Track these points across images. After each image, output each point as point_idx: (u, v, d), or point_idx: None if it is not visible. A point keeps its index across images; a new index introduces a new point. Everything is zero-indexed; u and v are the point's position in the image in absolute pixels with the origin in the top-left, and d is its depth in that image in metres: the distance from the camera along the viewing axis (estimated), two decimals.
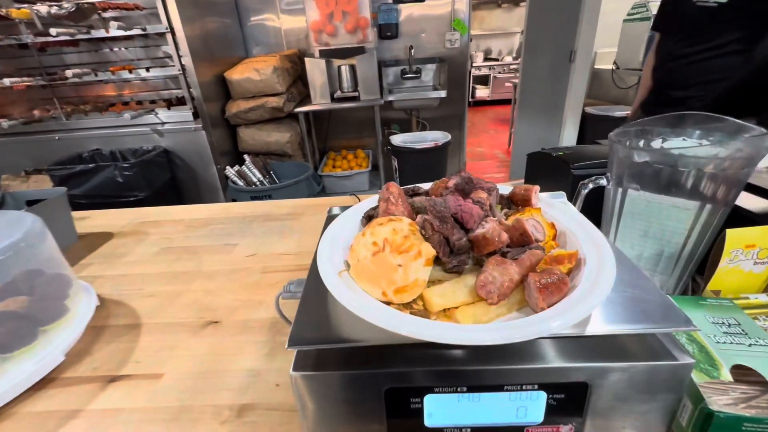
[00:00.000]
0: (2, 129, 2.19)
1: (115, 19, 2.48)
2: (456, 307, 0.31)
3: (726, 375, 0.33)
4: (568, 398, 0.32)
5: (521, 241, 0.33)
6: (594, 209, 0.56)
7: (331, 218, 0.49)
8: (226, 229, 0.82)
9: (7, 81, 2.01)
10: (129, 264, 0.71)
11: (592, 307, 0.28)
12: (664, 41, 1.03)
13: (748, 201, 0.52)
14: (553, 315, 0.28)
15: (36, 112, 2.26)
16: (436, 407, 0.32)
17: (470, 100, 6.48)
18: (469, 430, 0.34)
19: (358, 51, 2.43)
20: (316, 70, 2.42)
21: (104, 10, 2.25)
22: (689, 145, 0.47)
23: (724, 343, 0.35)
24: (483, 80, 6.47)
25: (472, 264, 0.35)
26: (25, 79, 2.08)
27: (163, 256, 0.73)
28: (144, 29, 2.04)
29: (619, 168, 0.48)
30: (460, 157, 3.24)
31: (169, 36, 2.04)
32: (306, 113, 2.54)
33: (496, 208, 0.40)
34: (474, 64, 6.26)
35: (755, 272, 0.44)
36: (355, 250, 0.34)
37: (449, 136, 2.58)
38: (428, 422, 0.33)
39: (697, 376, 0.32)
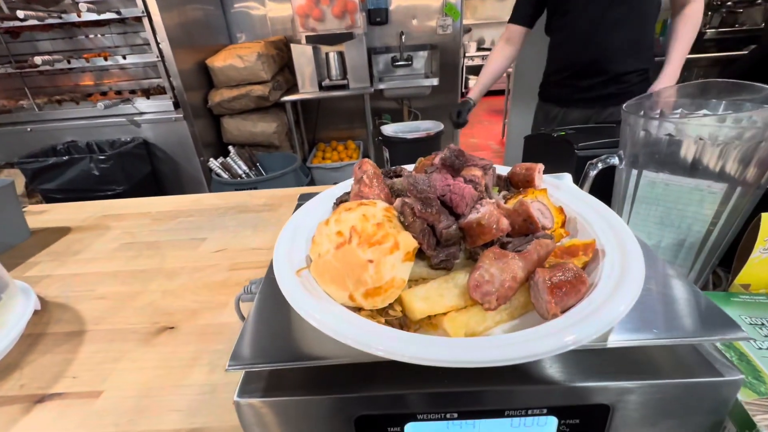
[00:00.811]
0: None
1: (89, 2, 2.35)
2: (444, 314, 0.24)
3: None
4: (585, 424, 0.25)
5: (525, 229, 0.27)
6: (600, 194, 0.50)
7: (299, 206, 0.42)
8: (196, 222, 0.74)
9: None
10: (83, 262, 0.63)
11: (620, 313, 0.21)
12: None
13: None
14: (570, 324, 0.21)
15: (4, 103, 2.14)
16: None
17: (463, 90, 6.40)
18: None
19: (346, 37, 2.33)
20: (302, 57, 2.32)
21: None
22: (714, 115, 0.40)
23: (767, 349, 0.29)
24: (476, 71, 6.37)
25: (464, 258, 0.28)
26: None
27: (122, 252, 0.66)
28: (119, 13, 1.93)
29: (634, 145, 0.41)
30: None
31: (145, 21, 1.93)
32: (293, 102, 2.45)
33: (492, 189, 0.33)
34: (467, 54, 6.17)
35: None
36: (317, 243, 0.27)
37: (442, 126, 2.51)
38: None
39: (741, 393, 0.26)
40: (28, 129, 2.12)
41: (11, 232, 0.71)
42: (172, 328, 0.47)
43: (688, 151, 0.38)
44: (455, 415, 0.25)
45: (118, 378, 0.40)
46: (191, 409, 0.36)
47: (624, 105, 0.42)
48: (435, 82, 2.50)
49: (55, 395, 0.39)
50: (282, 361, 0.25)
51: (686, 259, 0.43)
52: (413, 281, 0.27)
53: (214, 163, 2.11)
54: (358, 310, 0.25)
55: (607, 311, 0.21)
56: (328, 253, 0.25)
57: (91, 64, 2.07)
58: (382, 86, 2.50)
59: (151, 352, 0.43)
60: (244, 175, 2.16)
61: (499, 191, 0.35)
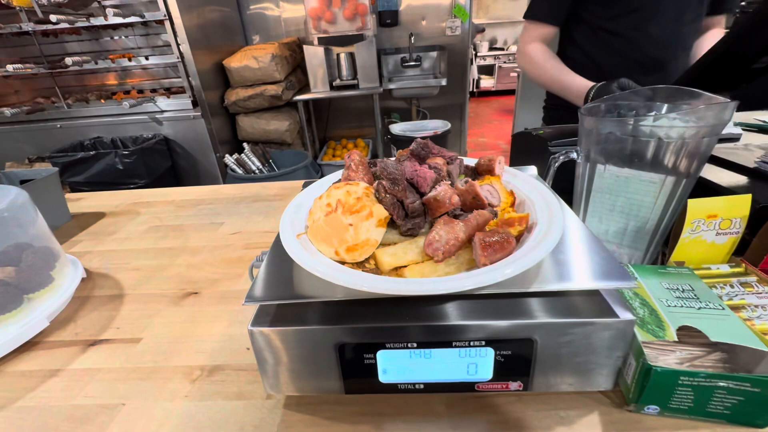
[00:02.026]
0: (5, 117, 2.22)
1: (115, 6, 2.49)
2: (405, 266, 0.32)
3: (672, 335, 0.33)
4: (516, 354, 0.33)
5: (474, 204, 0.34)
6: (570, 186, 0.57)
7: (305, 185, 0.50)
8: (215, 209, 0.83)
9: (10, 67, 2.03)
10: (118, 241, 0.73)
11: (529, 264, 0.29)
12: None
13: (717, 175, 0.52)
14: (493, 269, 0.29)
15: (40, 101, 2.29)
16: (389, 363, 0.34)
17: (475, 90, 6.42)
18: (422, 385, 0.35)
19: (357, 38, 2.42)
20: (314, 58, 2.41)
21: None
22: (654, 116, 0.47)
23: (675, 306, 0.36)
24: (488, 70, 6.39)
25: (429, 228, 0.36)
26: (28, 65, 2.10)
27: (151, 233, 0.75)
28: (142, 16, 2.05)
29: (587, 141, 0.48)
30: (461, 147, 3.23)
31: (167, 23, 2.04)
32: (305, 102, 2.55)
33: (459, 176, 0.41)
34: (479, 54, 6.19)
35: (717, 243, 0.44)
36: (312, 213, 0.35)
37: (449, 125, 2.57)
38: (383, 378, 0.35)
39: (642, 335, 0.33)
40: (58, 125, 2.26)
41: (55, 215, 0.82)
42: (197, 293, 0.55)
43: (634, 147, 0.45)
44: (415, 345, 0.33)
45: (153, 329, 0.49)
46: (213, 352, 0.44)
47: (581, 108, 0.49)
48: (443, 82, 2.56)
49: (103, 341, 0.48)
50: (283, 299, 0.33)
51: (634, 241, 0.50)
52: (388, 243, 0.34)
53: (230, 159, 2.22)
54: (341, 263, 0.33)
55: (522, 261, 0.29)
56: (319, 219, 0.33)
57: (116, 64, 2.20)
58: (391, 86, 2.57)
59: (180, 311, 0.52)
60: (257, 171, 2.27)
61: (464, 177, 0.42)
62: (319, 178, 1.93)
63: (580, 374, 0.33)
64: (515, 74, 4.27)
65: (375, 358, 0.33)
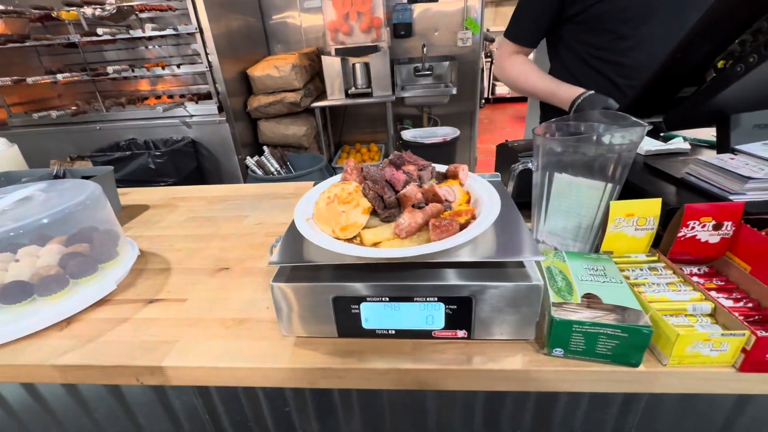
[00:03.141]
0: (51, 119, 2.45)
1: (150, 19, 2.71)
2: (381, 242, 0.45)
3: (577, 299, 0.45)
4: (459, 309, 0.45)
5: (434, 200, 0.47)
6: (527, 188, 0.68)
7: (315, 184, 0.64)
8: (240, 204, 0.98)
9: (60, 77, 2.25)
10: (162, 228, 0.88)
11: (462, 240, 0.41)
12: None
13: (651, 184, 0.63)
14: (439, 243, 0.41)
15: (81, 105, 2.51)
16: (369, 313, 0.47)
17: (490, 97, 6.51)
18: (393, 331, 0.48)
19: (372, 50, 2.56)
20: (332, 67, 2.57)
21: (141, 11, 2.48)
22: (589, 136, 0.59)
23: (585, 280, 0.48)
24: None
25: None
26: (74, 74, 2.33)
27: (188, 223, 0.90)
28: (176, 29, 2.25)
29: (540, 155, 0.60)
30: (471, 152, 3.34)
31: (198, 35, 2.23)
32: (322, 108, 2.71)
33: (430, 180, 0.54)
34: (493, 60, 6.28)
35: (637, 237, 0.56)
36: (317, 203, 0.48)
37: (458, 132, 2.69)
38: (365, 325, 0.48)
39: (555, 299, 0.45)
40: (98, 127, 2.48)
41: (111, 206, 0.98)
42: (228, 268, 0.69)
43: (578, 159, 0.57)
44: (387, 299, 0.46)
45: (196, 293, 0.63)
46: (241, 309, 0.58)
47: (533, 129, 0.61)
48: (453, 91, 2.68)
49: (159, 300, 0.62)
50: (295, 262, 0.46)
51: (584, 236, 0.62)
52: (372, 227, 0.48)
53: (251, 161, 2.39)
54: (336, 239, 0.46)
55: (456, 239, 0.42)
56: (322, 207, 0.46)
57: (150, 72, 2.40)
58: (404, 94, 2.71)
59: (215, 281, 0.66)
60: (275, 173, 2.43)
61: (434, 180, 0.55)
62: None
63: (509, 326, 0.46)
64: None
65: (359, 309, 0.47)
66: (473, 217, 0.47)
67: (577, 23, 0.92)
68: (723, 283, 0.50)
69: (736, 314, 0.43)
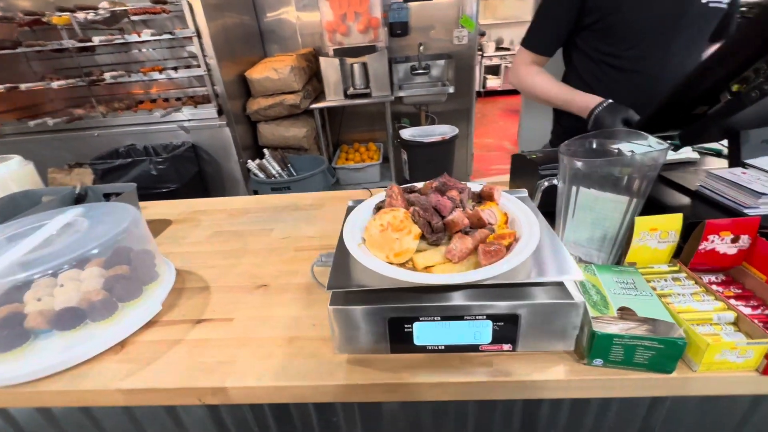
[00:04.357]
0: (47, 126, 2.41)
1: (144, 22, 2.67)
2: (433, 266, 0.48)
3: (613, 312, 0.49)
4: (506, 325, 0.49)
5: (478, 224, 0.51)
6: (554, 203, 0.72)
7: (350, 209, 0.66)
8: (263, 217, 1.00)
9: (54, 84, 2.22)
10: (190, 244, 0.90)
11: (513, 265, 0.45)
12: None
13: (667, 195, 0.67)
14: (490, 268, 0.45)
15: (77, 111, 2.48)
16: (421, 331, 0.50)
17: (481, 90, 6.55)
18: (443, 347, 0.51)
19: (369, 50, 2.57)
20: (330, 68, 2.57)
21: (134, 14, 2.44)
22: (611, 157, 0.62)
23: (618, 293, 0.52)
24: (494, 70, 6.51)
25: (447, 240, 0.52)
26: (70, 81, 2.29)
27: (215, 238, 0.92)
28: (172, 33, 2.22)
29: (565, 171, 0.64)
30: (468, 149, 3.38)
31: (195, 38, 2.22)
32: (321, 109, 2.71)
33: (468, 201, 0.57)
34: (485, 54, 6.31)
35: (659, 249, 0.60)
36: (368, 230, 0.51)
37: (456, 130, 2.72)
38: (417, 341, 0.51)
39: (593, 312, 0.49)
40: (96, 134, 2.45)
41: None
42: (266, 285, 0.72)
43: (603, 177, 0.60)
44: (439, 318, 0.49)
45: (240, 312, 0.66)
46: (288, 327, 0.61)
47: (560, 146, 0.64)
48: (451, 89, 2.70)
49: (205, 320, 0.65)
50: (353, 287, 0.49)
51: (608, 246, 0.65)
52: (420, 250, 0.51)
53: (252, 165, 2.40)
54: (390, 264, 0.49)
55: (507, 264, 0.45)
56: (375, 234, 0.49)
57: (147, 77, 2.38)
58: (401, 93, 2.72)
59: (256, 299, 0.69)
60: (277, 175, 2.44)
61: (472, 202, 0.59)
62: (335, 181, 2.09)
63: (551, 339, 0.50)
64: None
65: (412, 328, 0.50)
66: (515, 239, 0.50)
67: (593, 31, 0.96)
68: (740, 291, 0.55)
69: (757, 322, 0.47)
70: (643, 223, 0.58)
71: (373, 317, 0.49)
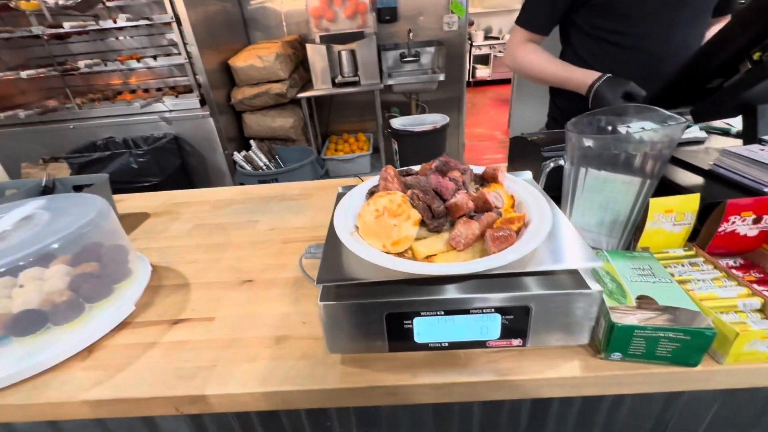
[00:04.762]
0: (19, 119, 2.28)
1: (120, 8, 2.54)
2: (435, 255, 0.43)
3: (632, 301, 0.45)
4: (516, 319, 0.44)
5: (484, 207, 0.46)
6: (559, 185, 0.67)
7: (341, 195, 0.61)
8: (248, 208, 0.94)
9: (23, 74, 2.09)
10: (169, 238, 0.84)
11: (525, 252, 0.40)
12: None
13: (679, 176, 0.63)
14: (500, 256, 0.40)
15: (51, 102, 2.36)
16: (423, 327, 0.45)
17: (470, 80, 6.48)
18: (447, 344, 0.47)
19: (357, 36, 2.49)
20: (317, 55, 2.49)
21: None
22: (623, 132, 0.58)
23: (635, 281, 0.48)
24: (483, 60, 6.45)
25: (449, 226, 0.47)
26: (40, 70, 2.17)
27: (196, 231, 0.86)
28: (150, 19, 2.11)
29: (572, 151, 0.59)
30: (459, 139, 3.33)
31: (174, 25, 2.11)
32: (308, 98, 2.63)
33: (470, 184, 0.52)
34: (474, 43, 6.24)
35: (674, 232, 0.56)
36: (362, 216, 0.46)
37: (447, 119, 2.66)
38: (417, 339, 0.46)
39: (609, 302, 0.45)
40: (71, 126, 2.34)
41: None
42: (251, 280, 0.66)
43: (609, 156, 0.56)
44: (442, 313, 0.44)
45: (223, 310, 0.60)
46: (276, 326, 0.56)
47: (567, 123, 0.59)
48: (441, 77, 2.64)
49: (184, 320, 0.59)
50: (346, 280, 0.44)
51: (611, 230, 0.61)
52: (420, 238, 0.46)
53: (238, 156, 2.31)
54: (387, 253, 0.44)
55: (520, 250, 0.40)
56: (370, 221, 0.44)
57: (125, 66, 2.26)
58: (391, 82, 2.65)
59: (240, 295, 0.63)
60: (264, 167, 2.36)
61: (475, 184, 0.54)
62: (324, 173, 2.01)
63: (564, 332, 0.45)
64: None
65: (412, 324, 0.45)
66: (525, 224, 0.46)
67: (591, 7, 0.91)
68: (762, 275, 0.51)
69: None
70: (657, 204, 0.54)
71: (369, 313, 0.44)
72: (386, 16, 2.77)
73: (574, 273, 0.44)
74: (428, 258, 0.44)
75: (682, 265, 0.53)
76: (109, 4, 2.48)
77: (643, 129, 0.59)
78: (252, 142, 2.38)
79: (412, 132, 2.58)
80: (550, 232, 0.45)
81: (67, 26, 1.97)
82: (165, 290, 0.66)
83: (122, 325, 0.59)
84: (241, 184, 2.42)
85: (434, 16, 2.84)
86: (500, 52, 6.23)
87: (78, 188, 0.95)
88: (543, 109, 1.26)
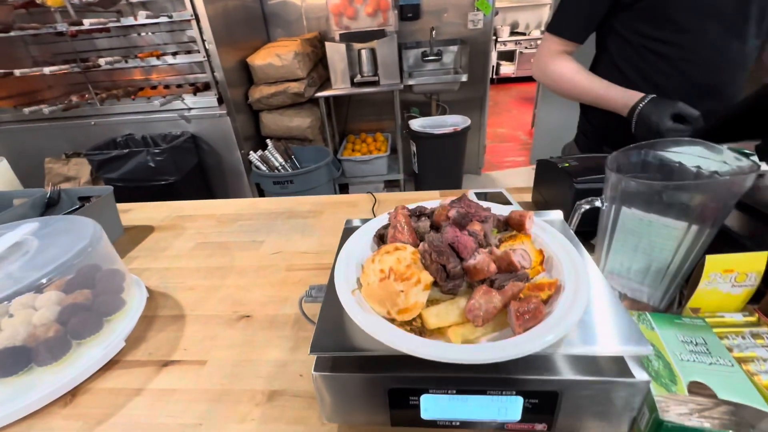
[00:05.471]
0: (44, 114, 2.32)
1: (142, 4, 2.54)
2: (449, 326, 0.37)
3: (683, 390, 0.38)
4: (542, 403, 0.38)
5: (508, 269, 0.39)
6: (592, 221, 0.60)
7: (347, 230, 0.55)
8: (254, 226, 0.89)
9: (47, 70, 2.12)
10: (170, 258, 0.80)
11: (560, 335, 0.33)
12: None
13: (740, 222, 0.54)
14: (527, 340, 0.33)
15: (74, 98, 2.38)
16: (431, 404, 0.39)
17: (494, 77, 6.29)
18: (458, 422, 0.40)
19: (378, 34, 2.41)
20: (336, 54, 2.43)
21: None
22: (674, 167, 0.50)
23: (687, 360, 0.40)
24: (508, 56, 6.24)
25: (466, 287, 0.40)
26: (63, 66, 2.19)
27: (199, 251, 0.82)
28: (170, 16, 2.09)
29: (612, 191, 0.51)
30: (480, 141, 3.22)
31: (193, 22, 2.09)
32: (326, 98, 2.57)
33: (491, 233, 0.45)
34: (499, 39, 6.04)
35: (733, 294, 0.48)
36: (366, 274, 0.40)
37: (469, 121, 2.57)
38: (424, 415, 0.40)
39: (655, 389, 0.38)
40: (92, 123, 2.36)
41: (111, 231, 0.89)
42: (249, 316, 0.62)
43: (653, 201, 0.48)
44: (454, 391, 0.38)
45: (216, 352, 0.56)
46: (270, 377, 0.51)
47: (607, 160, 0.52)
48: (464, 78, 2.54)
49: (174, 362, 0.55)
50: (341, 350, 0.38)
51: (653, 281, 0.54)
52: (430, 301, 0.39)
53: (254, 156, 2.29)
54: (392, 320, 0.38)
55: (552, 332, 0.33)
56: (374, 283, 0.38)
57: (145, 63, 2.26)
58: (411, 82, 2.57)
59: (237, 334, 0.58)
60: (280, 167, 2.33)
61: (498, 232, 0.47)
62: (340, 174, 1.94)
63: (598, 421, 0.38)
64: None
65: (419, 401, 0.39)
66: (556, 291, 0.39)
67: (635, 11, 0.80)
68: None
69: None
70: (715, 262, 0.46)
71: (370, 387, 0.39)
72: (408, 13, 2.67)
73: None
74: (440, 330, 0.37)
75: (742, 337, 0.45)
76: (132, 0, 2.49)
77: (698, 168, 0.51)
78: (268, 141, 2.36)
79: (432, 134, 2.50)
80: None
81: (88, 23, 1.97)
82: (159, 322, 0.63)
83: (111, 364, 0.55)
84: (257, 184, 2.40)
85: (459, 13, 2.73)
86: (526, 48, 6.02)
87: (83, 199, 0.92)
88: (570, 111, 1.15)
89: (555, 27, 0.92)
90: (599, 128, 1.01)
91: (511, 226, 0.47)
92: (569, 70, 0.90)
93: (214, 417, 0.46)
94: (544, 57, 0.95)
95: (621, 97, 0.79)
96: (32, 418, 0.48)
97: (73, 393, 0.51)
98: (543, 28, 5.82)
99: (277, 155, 2.33)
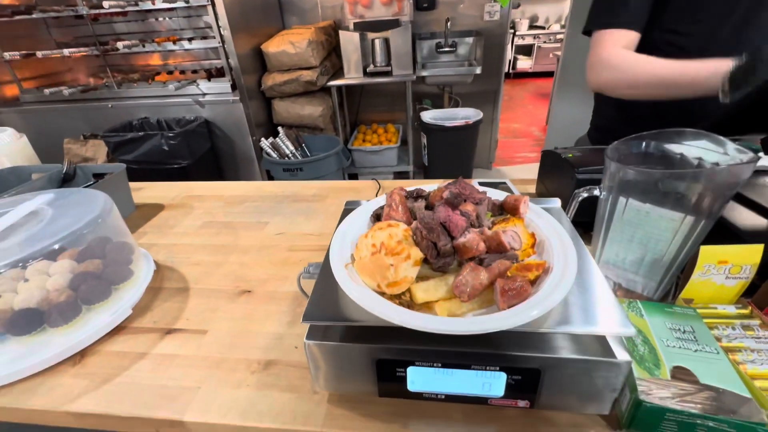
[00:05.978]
0: (63, 96, 2.38)
1: None
2: (436, 301, 0.38)
3: (666, 374, 0.38)
4: (524, 379, 0.39)
5: (498, 249, 0.40)
6: (591, 211, 0.60)
7: (346, 211, 0.56)
8: (260, 207, 0.91)
9: (66, 51, 2.17)
10: (178, 235, 0.83)
11: (543, 312, 0.34)
12: None
13: (739, 215, 0.54)
14: (510, 315, 0.34)
15: (92, 80, 2.44)
16: (417, 376, 0.41)
17: (510, 71, 6.20)
18: (443, 396, 0.42)
19: (393, 24, 2.40)
20: (349, 43, 2.43)
21: None
22: (675, 158, 0.50)
23: (673, 347, 0.41)
24: (526, 50, 6.14)
25: (456, 265, 0.41)
26: (82, 49, 2.24)
27: (206, 229, 0.84)
28: (187, 1, 2.12)
29: (611, 180, 0.51)
30: (492, 135, 3.19)
31: (209, 7, 2.11)
32: (339, 87, 2.58)
33: (485, 215, 0.46)
34: (518, 33, 5.94)
35: (727, 285, 0.48)
36: (359, 249, 0.41)
37: (481, 114, 2.55)
38: (410, 387, 0.42)
39: (638, 372, 0.38)
40: (110, 105, 2.41)
41: (123, 207, 0.92)
42: (250, 291, 0.64)
43: (651, 191, 0.48)
44: (439, 364, 0.39)
45: (216, 323, 0.58)
46: (267, 348, 0.53)
47: (607, 149, 0.52)
48: (478, 70, 2.51)
49: (177, 330, 0.57)
50: (332, 320, 0.40)
51: (648, 271, 0.54)
52: (420, 278, 0.41)
53: (265, 143, 2.32)
54: (382, 294, 0.39)
55: (536, 309, 0.34)
56: (366, 257, 0.39)
57: (161, 47, 2.30)
58: (424, 73, 2.55)
59: (237, 308, 0.61)
60: (290, 155, 2.35)
61: (492, 215, 0.48)
62: (349, 163, 1.94)
63: (580, 399, 0.39)
64: (555, 56, 4.06)
65: (405, 372, 0.40)
66: (544, 272, 0.40)
67: (669, 10, 0.77)
68: None
69: None
70: (709, 253, 0.46)
71: (358, 357, 0.40)
72: (424, 3, 2.65)
73: (599, 336, 0.38)
74: (427, 305, 0.38)
75: (733, 328, 0.45)
76: None
77: (700, 159, 0.51)
78: (280, 129, 2.37)
79: (443, 126, 2.49)
80: (574, 281, 0.39)
81: (107, 5, 2.00)
82: (164, 293, 0.65)
83: (118, 329, 0.58)
84: (267, 171, 2.43)
85: (475, 4, 2.69)
86: (545, 42, 5.90)
87: (98, 176, 0.95)
88: (587, 108, 1.12)
89: (613, 19, 0.81)
90: (611, 122, 1.00)
91: (506, 211, 0.48)
92: (644, 59, 0.78)
93: (212, 382, 0.48)
94: (603, 54, 0.81)
95: (705, 69, 0.67)
96: (44, 375, 0.51)
97: (82, 354, 0.54)
98: (563, 23, 5.69)
99: (288, 143, 2.35)
